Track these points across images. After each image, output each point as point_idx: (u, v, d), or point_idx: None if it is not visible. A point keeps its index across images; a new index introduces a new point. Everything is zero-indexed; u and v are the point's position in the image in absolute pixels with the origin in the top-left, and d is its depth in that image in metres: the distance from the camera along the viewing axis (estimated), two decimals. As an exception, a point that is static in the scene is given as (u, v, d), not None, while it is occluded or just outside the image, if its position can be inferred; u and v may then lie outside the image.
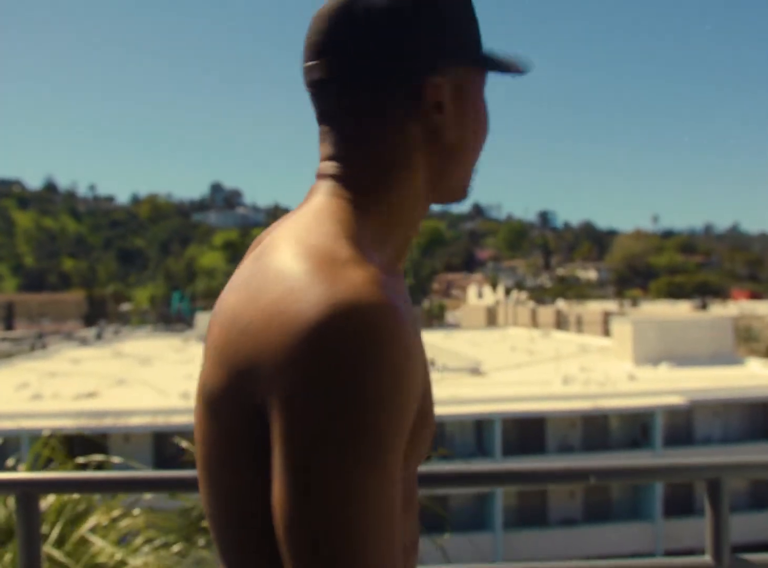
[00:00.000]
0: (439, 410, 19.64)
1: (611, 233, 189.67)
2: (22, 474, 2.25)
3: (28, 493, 2.06)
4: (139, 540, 3.86)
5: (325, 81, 0.97)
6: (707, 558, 2.01)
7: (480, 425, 26.35)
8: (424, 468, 2.56)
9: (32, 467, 4.34)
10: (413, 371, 0.82)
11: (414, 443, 0.89)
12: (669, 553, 21.60)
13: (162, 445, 21.95)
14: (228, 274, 1.05)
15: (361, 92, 0.96)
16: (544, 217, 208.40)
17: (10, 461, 4.46)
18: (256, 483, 0.86)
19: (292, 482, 0.78)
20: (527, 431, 26.56)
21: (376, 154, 0.98)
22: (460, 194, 1.09)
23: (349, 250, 0.88)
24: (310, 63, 0.98)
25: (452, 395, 26.30)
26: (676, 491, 25.33)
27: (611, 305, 76.30)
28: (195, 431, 0.97)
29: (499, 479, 2.44)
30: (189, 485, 2.19)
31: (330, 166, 1.01)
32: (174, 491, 1.83)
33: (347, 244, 0.89)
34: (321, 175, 1.02)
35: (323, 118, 1.01)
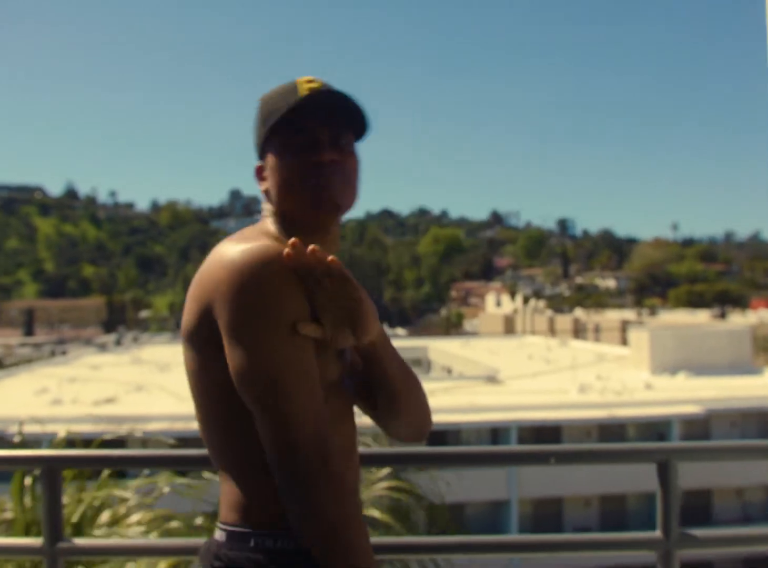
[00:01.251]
0: (455, 418, 19.43)
1: (630, 241, 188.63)
2: (46, 451, 2.58)
3: (52, 467, 2.34)
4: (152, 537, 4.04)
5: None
6: (657, 533, 2.20)
7: (496, 433, 26.37)
8: (393, 449, 2.78)
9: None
10: (283, 293, 1.42)
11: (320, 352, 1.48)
12: (684, 565, 21.49)
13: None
14: None
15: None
16: (563, 225, 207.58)
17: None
18: (218, 368, 1.46)
19: (234, 354, 1.41)
20: (543, 440, 26.53)
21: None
22: (303, 212, 1.62)
23: (256, 235, 1.54)
24: None
25: (469, 402, 26.35)
26: (693, 500, 25.26)
27: (629, 314, 75.96)
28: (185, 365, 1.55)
29: (467, 460, 2.63)
30: (201, 463, 2.48)
31: None
32: (186, 468, 2.07)
33: (257, 234, 1.56)
34: None
35: None
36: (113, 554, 3.08)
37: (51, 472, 2.33)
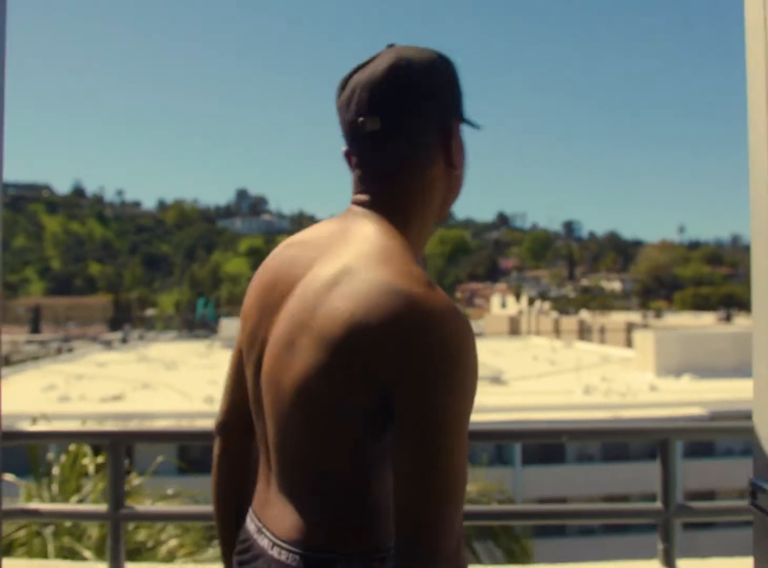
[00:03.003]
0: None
1: (636, 244, 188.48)
2: (113, 427, 2.83)
3: (116, 441, 2.63)
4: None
5: (377, 133, 1.34)
6: (658, 505, 2.45)
7: (500, 434, 26.40)
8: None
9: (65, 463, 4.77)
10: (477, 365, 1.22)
11: None
12: None
13: (186, 447, 22.26)
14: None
15: (405, 143, 1.35)
16: (569, 227, 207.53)
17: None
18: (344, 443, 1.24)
19: (425, 450, 1.14)
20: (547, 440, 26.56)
21: (410, 188, 1.37)
22: (448, 213, 1.48)
23: (424, 272, 1.24)
24: (363, 118, 1.34)
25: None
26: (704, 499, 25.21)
27: (635, 316, 75.91)
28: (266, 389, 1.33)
29: (481, 437, 2.87)
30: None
31: (370, 198, 1.38)
32: None
33: (419, 267, 1.25)
34: (362, 203, 1.39)
35: (363, 160, 1.39)
36: (168, 519, 3.42)
37: (116, 445, 2.60)
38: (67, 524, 4.17)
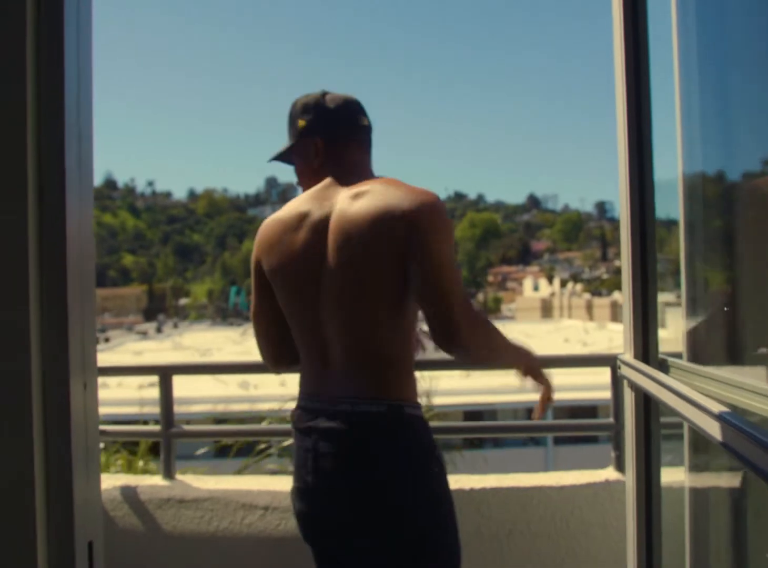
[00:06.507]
0: (492, 399, 19.71)
1: (671, 223, 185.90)
2: (162, 361, 3.56)
3: (166, 373, 3.15)
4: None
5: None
6: (611, 420, 3.06)
7: (532, 414, 26.49)
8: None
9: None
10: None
11: None
12: None
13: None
14: None
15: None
16: (601, 207, 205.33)
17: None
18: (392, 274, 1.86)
19: (442, 268, 1.81)
20: (578, 418, 26.57)
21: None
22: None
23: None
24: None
25: (504, 384, 26.47)
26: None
27: (669, 296, 75.25)
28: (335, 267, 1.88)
29: (441, 366, 3.30)
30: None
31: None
32: (262, 372, 2.73)
33: None
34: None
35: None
36: (214, 436, 4.07)
37: (165, 376, 3.13)
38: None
